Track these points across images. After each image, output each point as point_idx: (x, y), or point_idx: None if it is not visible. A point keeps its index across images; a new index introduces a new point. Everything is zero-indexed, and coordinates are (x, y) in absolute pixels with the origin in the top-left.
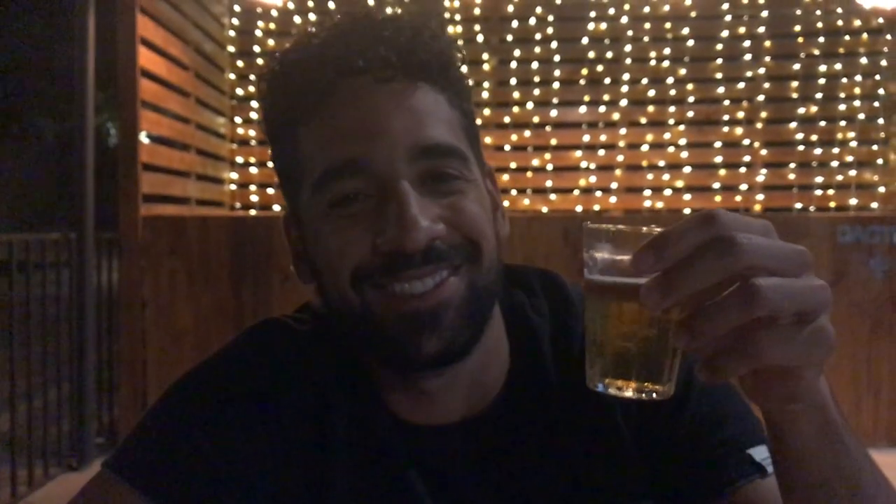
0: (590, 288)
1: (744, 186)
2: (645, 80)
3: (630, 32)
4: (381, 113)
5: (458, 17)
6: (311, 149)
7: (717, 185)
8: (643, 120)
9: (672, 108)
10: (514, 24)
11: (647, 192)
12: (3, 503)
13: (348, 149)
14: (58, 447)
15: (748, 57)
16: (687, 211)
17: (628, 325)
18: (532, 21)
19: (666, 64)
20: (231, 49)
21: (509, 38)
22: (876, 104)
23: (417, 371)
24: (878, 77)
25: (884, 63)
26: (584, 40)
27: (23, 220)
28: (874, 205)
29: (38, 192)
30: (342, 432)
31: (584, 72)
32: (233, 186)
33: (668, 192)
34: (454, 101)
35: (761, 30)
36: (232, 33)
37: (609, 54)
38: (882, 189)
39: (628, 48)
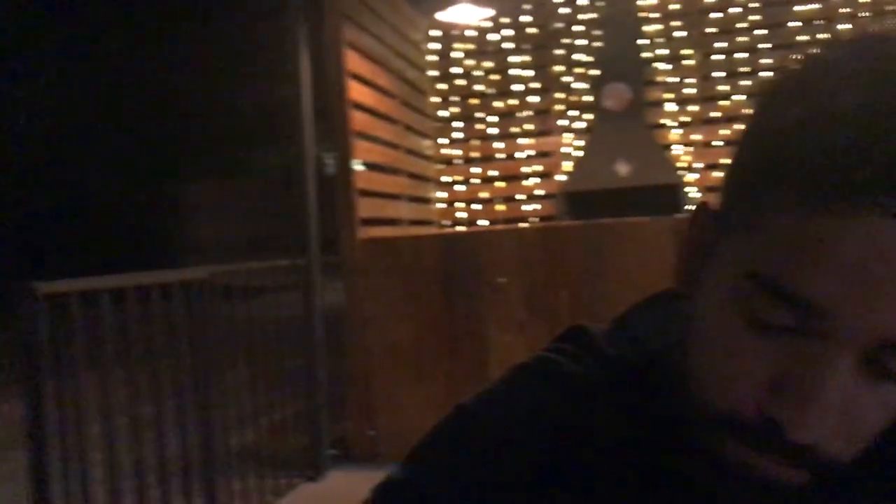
0: None
1: None
2: None
3: (847, 9)
4: (879, 268)
5: (655, 14)
6: (773, 234)
7: None
8: None
9: None
10: (716, 15)
11: None
12: None
13: (816, 286)
14: (296, 459)
15: None
16: None
17: None
18: (734, 10)
19: None
20: (431, 73)
21: (711, 30)
22: None
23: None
24: None
25: None
26: (794, 24)
27: (256, 249)
28: None
29: (267, 221)
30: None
31: (797, 58)
32: (440, 205)
33: None
34: None
35: None
36: (431, 57)
37: (824, 36)
38: None
39: (842, 27)
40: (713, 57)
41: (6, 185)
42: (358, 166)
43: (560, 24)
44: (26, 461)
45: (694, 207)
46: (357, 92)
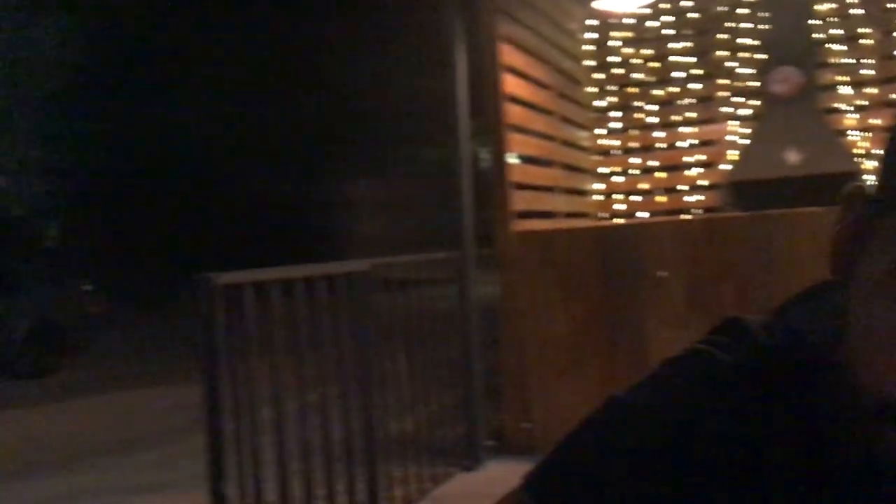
0: None
1: None
2: None
3: None
4: None
5: None
6: None
7: None
8: None
9: None
10: None
11: None
12: (411, 496)
13: None
14: (453, 448)
15: None
16: None
17: None
18: None
19: None
20: (588, 63)
21: (893, 5)
22: None
23: None
24: None
25: None
26: None
27: (414, 242)
28: None
29: (425, 215)
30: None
31: None
32: (597, 197)
33: None
34: None
35: None
36: (588, 47)
37: None
38: None
39: None
40: (895, 35)
41: (188, 186)
42: (513, 159)
43: (723, 8)
44: (204, 442)
45: (846, 191)
46: (512, 85)
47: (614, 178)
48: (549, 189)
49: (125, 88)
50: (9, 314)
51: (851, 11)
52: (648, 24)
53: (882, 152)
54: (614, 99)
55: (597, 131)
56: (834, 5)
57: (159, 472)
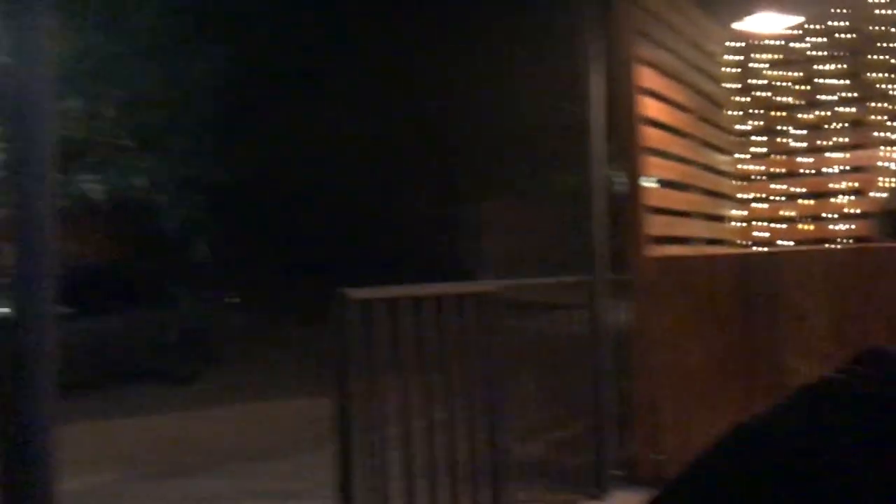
0: None
1: None
2: None
3: None
4: None
5: None
6: None
7: None
8: None
9: None
10: None
11: None
12: None
13: None
14: (579, 476)
15: None
16: None
17: None
18: None
19: None
20: (729, 85)
21: None
22: None
23: None
24: None
25: None
26: None
27: (548, 265)
28: None
29: (558, 238)
30: None
31: None
32: (738, 223)
33: None
34: None
35: None
36: (729, 69)
37: None
38: None
39: None
40: None
41: (333, 203)
42: (650, 183)
43: (878, 27)
44: (334, 454)
45: None
46: (649, 107)
47: (756, 205)
48: (686, 214)
49: (275, 109)
50: (161, 324)
51: None
52: (794, 45)
53: None
54: (757, 122)
55: (738, 155)
56: None
57: (292, 481)
